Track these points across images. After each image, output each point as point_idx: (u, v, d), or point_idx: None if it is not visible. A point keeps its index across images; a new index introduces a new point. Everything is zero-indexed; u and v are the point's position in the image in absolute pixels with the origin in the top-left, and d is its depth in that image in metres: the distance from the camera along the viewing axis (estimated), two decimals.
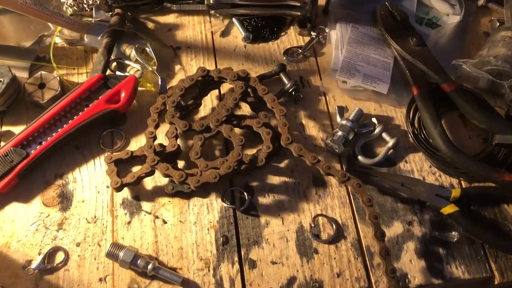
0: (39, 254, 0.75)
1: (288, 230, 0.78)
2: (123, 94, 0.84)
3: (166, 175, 0.78)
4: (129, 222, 0.78)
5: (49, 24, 0.92)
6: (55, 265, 0.74)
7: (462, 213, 0.77)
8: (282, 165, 0.84)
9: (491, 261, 0.76)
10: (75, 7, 0.95)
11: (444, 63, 0.90)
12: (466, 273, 0.75)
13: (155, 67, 0.90)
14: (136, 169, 0.82)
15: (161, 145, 0.81)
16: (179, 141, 0.82)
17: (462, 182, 0.83)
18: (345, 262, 0.76)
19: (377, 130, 0.86)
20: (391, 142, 0.84)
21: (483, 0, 1.03)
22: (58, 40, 0.94)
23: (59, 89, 0.86)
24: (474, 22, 1.02)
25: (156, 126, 0.82)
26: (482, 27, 1.02)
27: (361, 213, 0.80)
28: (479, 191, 0.82)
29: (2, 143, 0.83)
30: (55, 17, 0.88)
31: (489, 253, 0.77)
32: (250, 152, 0.84)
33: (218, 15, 0.99)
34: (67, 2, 0.95)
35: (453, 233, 0.78)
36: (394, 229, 0.79)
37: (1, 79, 0.82)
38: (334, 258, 0.76)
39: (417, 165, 0.85)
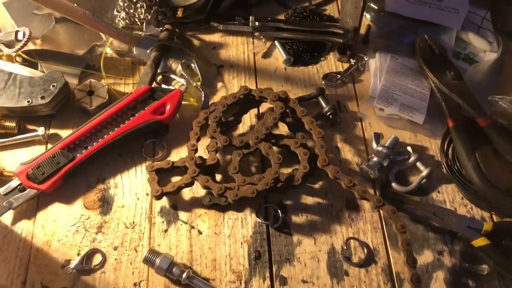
0: (78, 254, 0.77)
1: (320, 251, 0.79)
2: (168, 107, 0.87)
3: (205, 187, 0.80)
4: (165, 230, 0.80)
5: (102, 35, 0.96)
6: (92, 266, 0.76)
7: (493, 246, 0.78)
8: (316, 186, 0.86)
9: None
10: (127, 21, 0.99)
11: (480, 98, 0.91)
12: None
13: (199, 83, 0.94)
14: (175, 179, 0.84)
15: (201, 157, 0.83)
16: (218, 155, 0.85)
17: (494, 216, 0.84)
18: (375, 286, 0.77)
19: (412, 159, 0.87)
20: (425, 171, 0.86)
21: None
22: (108, 51, 0.98)
23: (107, 97, 0.90)
24: (510, 60, 1.04)
25: (198, 139, 0.84)
26: None
27: (392, 239, 0.81)
28: (511, 226, 0.83)
29: (49, 145, 0.87)
30: (109, 29, 0.92)
31: None
32: (285, 171, 0.86)
33: (261, 37, 1.03)
34: (120, 15, 0.99)
35: (483, 266, 0.79)
36: (424, 258, 0.79)
37: (55, 84, 0.86)
38: (364, 282, 0.77)
39: (449, 196, 0.86)
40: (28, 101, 0.85)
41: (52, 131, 0.89)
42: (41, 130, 0.86)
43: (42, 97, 0.85)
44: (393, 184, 0.86)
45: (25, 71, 0.90)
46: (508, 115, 0.92)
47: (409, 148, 0.89)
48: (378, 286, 0.77)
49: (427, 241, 0.81)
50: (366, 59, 1.01)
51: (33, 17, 0.96)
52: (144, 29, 0.99)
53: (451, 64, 0.97)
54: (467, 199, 0.86)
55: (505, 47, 1.04)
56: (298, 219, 0.82)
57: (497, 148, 0.88)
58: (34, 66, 0.93)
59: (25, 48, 0.91)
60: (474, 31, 1.04)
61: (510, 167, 0.89)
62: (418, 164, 0.87)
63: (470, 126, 0.89)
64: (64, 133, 0.89)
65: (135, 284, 0.75)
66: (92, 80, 0.92)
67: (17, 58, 0.92)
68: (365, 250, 0.79)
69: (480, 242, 0.79)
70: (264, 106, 0.94)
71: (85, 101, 0.89)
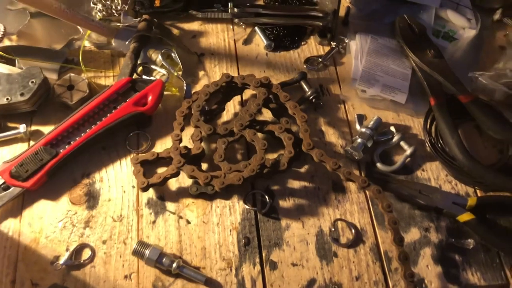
0: (67, 250, 0.77)
1: (308, 234, 0.80)
2: (150, 98, 0.87)
3: (191, 177, 0.80)
4: (154, 222, 0.80)
5: (79, 28, 0.95)
6: (82, 261, 0.76)
7: (478, 221, 0.79)
8: (302, 170, 0.86)
9: (506, 269, 0.78)
10: (104, 12, 0.98)
11: (460, 75, 0.92)
12: (481, 280, 0.77)
13: (180, 72, 0.93)
14: (161, 170, 0.84)
15: (186, 147, 0.83)
16: (203, 144, 0.85)
17: (478, 191, 0.86)
18: (364, 266, 0.78)
19: (395, 138, 0.88)
20: (409, 150, 0.86)
21: (499, 14, 1.06)
22: (86, 44, 0.97)
23: (88, 91, 0.89)
24: (489, 36, 1.05)
25: (182, 129, 0.84)
26: (497, 41, 1.05)
27: (379, 219, 0.82)
28: (494, 200, 0.84)
29: (32, 142, 0.86)
30: (86, 21, 0.91)
31: (504, 261, 0.79)
32: (271, 157, 0.86)
33: (241, 23, 1.02)
34: (96, 7, 0.98)
35: (469, 240, 0.80)
36: (411, 235, 0.81)
37: (33, 80, 0.85)
38: (353, 262, 0.78)
39: (433, 174, 0.87)
40: (7, 99, 0.84)
41: (33, 127, 0.88)
42: (22, 128, 0.85)
43: (22, 94, 0.84)
44: (378, 164, 0.86)
45: (2, 68, 0.88)
46: (488, 90, 0.93)
47: (392, 128, 0.89)
48: (367, 266, 0.78)
49: (414, 219, 0.82)
50: (346, 41, 1.01)
51: (7, 13, 0.94)
52: (122, 20, 0.98)
53: (431, 43, 0.97)
54: (451, 176, 0.87)
55: (483, 23, 1.04)
56: (286, 203, 0.83)
57: (480, 124, 0.89)
58: (11, 62, 0.91)
59: (1, 45, 0.89)
60: (452, 9, 1.04)
61: (493, 142, 0.90)
62: (402, 143, 0.88)
63: (452, 103, 0.90)
64: (46, 129, 0.88)
65: (125, 277, 0.75)
66: (71, 74, 0.90)
67: None
68: (353, 231, 0.80)
69: (465, 217, 0.80)
70: (247, 93, 0.94)
71: (66, 96, 0.88)
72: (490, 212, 0.83)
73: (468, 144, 0.88)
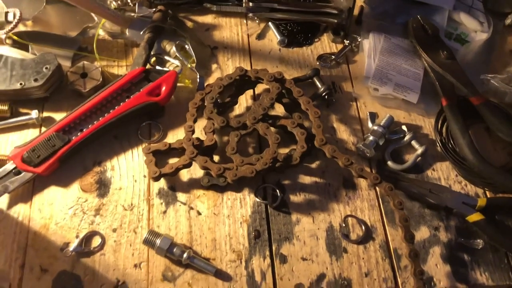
0: (77, 237, 0.77)
1: (318, 229, 0.80)
2: (163, 88, 0.86)
3: (204, 168, 0.80)
4: (164, 212, 0.80)
5: (94, 16, 0.95)
6: (91, 249, 0.76)
7: (487, 221, 0.80)
8: (314, 165, 0.87)
9: None
10: (119, 2, 0.97)
11: (472, 77, 0.93)
12: (490, 280, 0.77)
13: (194, 64, 0.93)
14: (172, 161, 0.84)
15: (198, 139, 0.83)
16: (215, 136, 0.84)
17: (487, 192, 0.86)
18: (373, 262, 0.78)
19: (407, 137, 0.88)
20: (420, 149, 0.87)
21: (511, 19, 1.06)
22: (100, 33, 0.96)
23: (101, 79, 0.89)
24: (501, 40, 1.05)
25: (195, 121, 0.84)
26: (508, 45, 1.05)
27: (389, 216, 0.82)
28: (504, 201, 0.85)
29: (43, 128, 0.86)
30: (101, 9, 0.91)
31: None
32: (282, 151, 0.86)
33: (255, 18, 1.02)
34: None
35: (478, 240, 0.80)
36: (421, 234, 0.81)
37: (47, 66, 0.85)
38: (363, 258, 0.78)
39: (444, 173, 0.87)
40: (21, 84, 0.83)
41: (45, 114, 0.88)
42: (34, 113, 0.85)
43: (35, 80, 0.84)
44: (389, 163, 0.87)
45: (16, 53, 0.88)
46: (499, 93, 0.93)
47: (404, 127, 0.90)
48: (377, 262, 0.78)
49: (423, 218, 0.82)
50: (359, 39, 1.01)
51: None
52: (136, 10, 0.97)
53: (444, 44, 0.98)
54: (461, 176, 0.87)
55: (495, 27, 1.05)
56: (296, 198, 0.83)
57: (490, 126, 0.90)
58: (24, 48, 0.91)
59: (16, 30, 0.89)
60: (465, 12, 1.05)
61: (503, 144, 0.91)
62: (413, 142, 0.88)
63: (463, 104, 0.90)
64: (58, 116, 0.87)
65: (135, 265, 0.75)
66: (85, 62, 0.90)
67: (7, 40, 0.90)
68: (363, 227, 0.80)
69: (474, 217, 0.80)
70: (260, 88, 0.94)
71: (79, 84, 0.88)
72: (499, 213, 0.83)
73: (478, 146, 0.87)
